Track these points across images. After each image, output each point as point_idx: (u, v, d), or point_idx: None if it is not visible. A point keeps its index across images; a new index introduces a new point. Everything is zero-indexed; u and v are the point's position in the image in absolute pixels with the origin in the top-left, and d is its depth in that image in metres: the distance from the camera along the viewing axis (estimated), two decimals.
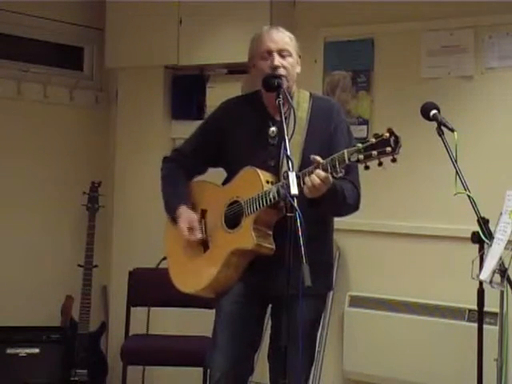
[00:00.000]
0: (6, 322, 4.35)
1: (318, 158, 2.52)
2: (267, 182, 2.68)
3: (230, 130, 2.86)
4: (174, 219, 2.90)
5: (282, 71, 2.73)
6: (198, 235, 2.84)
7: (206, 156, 2.95)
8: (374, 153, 2.36)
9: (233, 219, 2.77)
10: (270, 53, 2.75)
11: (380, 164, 2.37)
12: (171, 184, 2.96)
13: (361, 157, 2.39)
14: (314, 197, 2.54)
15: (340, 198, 2.66)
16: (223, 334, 2.80)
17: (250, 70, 2.89)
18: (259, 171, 2.71)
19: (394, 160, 2.36)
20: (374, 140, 2.38)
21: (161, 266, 3.65)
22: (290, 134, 2.57)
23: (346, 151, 2.44)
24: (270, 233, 2.71)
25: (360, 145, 2.40)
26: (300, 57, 2.85)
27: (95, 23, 4.89)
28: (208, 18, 4.39)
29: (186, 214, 2.86)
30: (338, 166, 2.46)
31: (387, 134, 2.35)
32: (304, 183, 2.52)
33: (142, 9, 4.59)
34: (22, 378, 4.29)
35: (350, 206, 2.74)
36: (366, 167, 2.40)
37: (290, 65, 2.76)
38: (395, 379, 3.89)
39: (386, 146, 2.35)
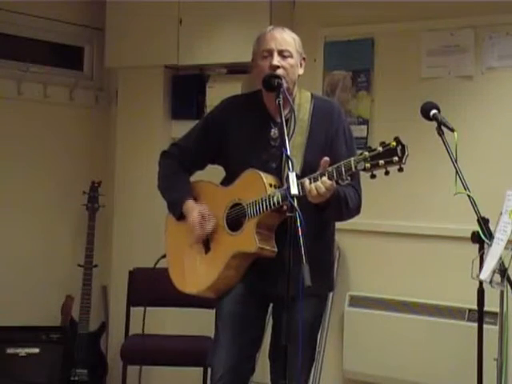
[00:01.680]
0: (6, 322, 4.34)
1: (327, 159, 2.51)
2: (270, 186, 2.67)
3: (230, 129, 2.85)
4: (180, 216, 2.88)
5: (280, 71, 2.71)
6: (211, 225, 2.80)
7: (205, 153, 2.93)
8: (381, 162, 2.35)
9: (234, 221, 2.77)
10: (270, 52, 2.74)
11: (387, 173, 2.36)
12: (173, 181, 2.94)
13: (367, 165, 2.38)
14: (317, 202, 2.54)
15: (343, 204, 2.66)
16: (224, 333, 2.80)
17: (252, 69, 2.88)
18: (262, 174, 2.69)
19: (400, 169, 2.35)
20: (380, 149, 2.37)
21: (160, 265, 3.65)
22: (290, 135, 2.56)
23: (352, 159, 2.43)
24: (273, 235, 2.70)
25: (367, 153, 2.39)
26: (304, 59, 2.83)
27: (95, 23, 4.89)
28: (208, 17, 4.39)
29: (198, 208, 2.83)
30: (344, 173, 2.46)
31: (394, 143, 2.34)
32: (309, 189, 2.50)
33: (142, 9, 4.59)
34: (22, 378, 4.29)
35: (352, 210, 2.74)
36: (373, 176, 2.39)
37: (289, 65, 2.74)
38: (395, 379, 3.89)
39: (392, 155, 2.34)
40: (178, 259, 2.95)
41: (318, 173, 2.52)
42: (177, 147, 3.01)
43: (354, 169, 2.43)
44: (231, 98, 2.97)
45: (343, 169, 2.46)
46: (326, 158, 2.52)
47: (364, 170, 2.40)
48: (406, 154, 2.33)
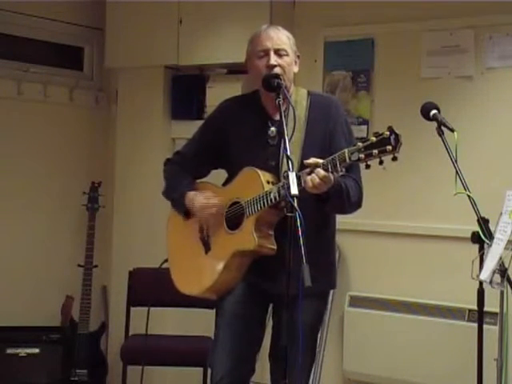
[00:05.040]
0: (6, 322, 4.35)
1: (311, 161, 2.52)
2: (268, 183, 2.68)
3: (229, 130, 2.85)
4: (184, 211, 2.88)
5: (277, 70, 2.72)
6: (215, 205, 2.82)
7: (208, 157, 2.94)
8: (375, 151, 2.36)
9: (234, 220, 2.77)
10: (266, 52, 2.74)
11: (381, 162, 2.37)
12: (175, 181, 2.94)
13: (361, 156, 2.39)
14: (315, 193, 2.55)
15: (345, 196, 2.66)
16: (225, 333, 2.80)
17: (248, 70, 2.88)
18: (259, 171, 2.70)
19: (394, 158, 2.35)
20: (374, 139, 2.37)
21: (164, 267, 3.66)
22: (289, 134, 2.57)
23: (346, 150, 2.44)
24: (272, 233, 2.70)
25: (360, 144, 2.40)
26: (299, 57, 2.84)
27: (95, 23, 4.89)
28: (208, 17, 4.39)
29: (198, 198, 2.84)
30: (338, 165, 2.46)
31: (387, 133, 2.35)
32: (305, 181, 2.51)
33: (142, 9, 4.59)
34: (22, 378, 4.30)
35: (355, 203, 2.74)
36: (367, 166, 2.40)
37: (286, 64, 2.75)
38: (395, 379, 3.89)
39: (386, 144, 2.34)
40: (179, 260, 2.95)
41: (307, 170, 2.53)
42: (180, 154, 3.02)
43: (348, 160, 2.43)
44: (228, 99, 2.97)
45: (337, 160, 2.46)
46: (310, 161, 2.52)
47: (358, 160, 2.41)
48: (400, 142, 2.34)
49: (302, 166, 2.62)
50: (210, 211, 2.82)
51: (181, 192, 2.89)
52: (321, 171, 2.49)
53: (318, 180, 2.49)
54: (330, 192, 2.57)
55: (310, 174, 2.51)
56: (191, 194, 2.87)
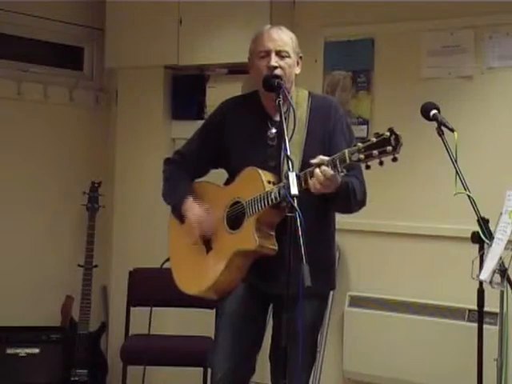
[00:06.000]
0: (6, 322, 4.35)
1: (316, 161, 2.52)
2: (269, 183, 2.68)
3: (230, 130, 2.86)
4: (181, 217, 2.89)
5: (278, 71, 2.71)
6: (208, 232, 2.82)
7: (207, 157, 2.94)
8: (375, 152, 2.36)
9: (235, 220, 2.77)
10: (267, 52, 2.74)
11: (381, 163, 2.37)
12: (174, 184, 2.94)
13: (361, 156, 2.39)
14: (321, 192, 2.54)
15: (351, 195, 2.66)
16: (225, 334, 2.81)
17: (249, 69, 2.88)
18: (260, 171, 2.70)
19: (394, 159, 2.35)
20: (374, 139, 2.37)
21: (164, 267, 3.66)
22: (289, 135, 2.57)
23: (346, 151, 2.44)
24: (273, 233, 2.69)
25: (361, 144, 2.40)
26: (301, 58, 2.84)
27: (95, 23, 4.89)
28: (208, 17, 4.39)
29: (195, 208, 2.84)
30: (339, 165, 2.46)
31: (388, 133, 2.35)
32: (311, 179, 2.50)
33: (142, 9, 4.59)
34: (22, 378, 4.30)
35: (360, 201, 2.74)
36: (367, 167, 2.40)
37: (287, 65, 2.74)
38: (395, 379, 3.89)
39: (386, 145, 2.34)
40: (181, 260, 2.95)
41: (314, 167, 2.53)
42: (179, 154, 3.02)
43: (348, 160, 2.43)
44: (228, 99, 2.97)
45: (338, 161, 2.46)
46: (316, 160, 2.52)
47: (358, 160, 2.40)
48: (400, 143, 2.33)
49: (304, 167, 2.62)
50: (202, 227, 2.82)
51: (179, 199, 2.88)
52: (329, 171, 2.48)
53: (322, 178, 2.48)
54: (338, 191, 2.57)
55: (311, 175, 2.51)
56: (188, 204, 2.86)
